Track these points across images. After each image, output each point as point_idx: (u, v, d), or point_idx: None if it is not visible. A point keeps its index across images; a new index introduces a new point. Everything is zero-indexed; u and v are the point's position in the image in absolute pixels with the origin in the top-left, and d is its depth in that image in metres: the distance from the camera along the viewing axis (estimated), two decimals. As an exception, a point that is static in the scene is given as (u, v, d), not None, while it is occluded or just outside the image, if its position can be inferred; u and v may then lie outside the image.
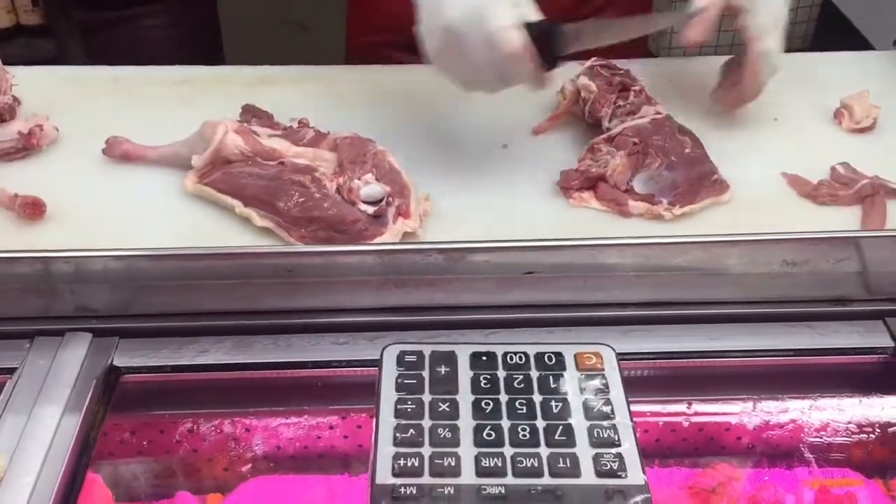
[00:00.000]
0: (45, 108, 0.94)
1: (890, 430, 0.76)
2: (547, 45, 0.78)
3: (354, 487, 0.73)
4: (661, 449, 0.77)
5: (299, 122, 0.92)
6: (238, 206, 0.82)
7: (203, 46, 1.57)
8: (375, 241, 0.78)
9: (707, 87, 1.00)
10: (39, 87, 0.99)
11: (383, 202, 0.80)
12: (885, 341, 0.75)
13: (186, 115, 0.95)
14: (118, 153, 0.89)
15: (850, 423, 0.76)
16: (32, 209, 0.80)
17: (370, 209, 0.79)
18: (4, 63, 0.92)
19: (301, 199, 0.80)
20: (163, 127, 0.93)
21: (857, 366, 0.77)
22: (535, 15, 0.78)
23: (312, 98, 1.01)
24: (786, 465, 0.75)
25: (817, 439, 0.75)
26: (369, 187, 0.80)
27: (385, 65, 1.10)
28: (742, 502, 0.73)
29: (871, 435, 0.76)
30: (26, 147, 0.89)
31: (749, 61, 0.88)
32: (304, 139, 0.87)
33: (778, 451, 0.75)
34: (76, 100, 0.99)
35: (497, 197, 0.87)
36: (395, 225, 0.80)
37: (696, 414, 0.78)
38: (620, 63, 0.98)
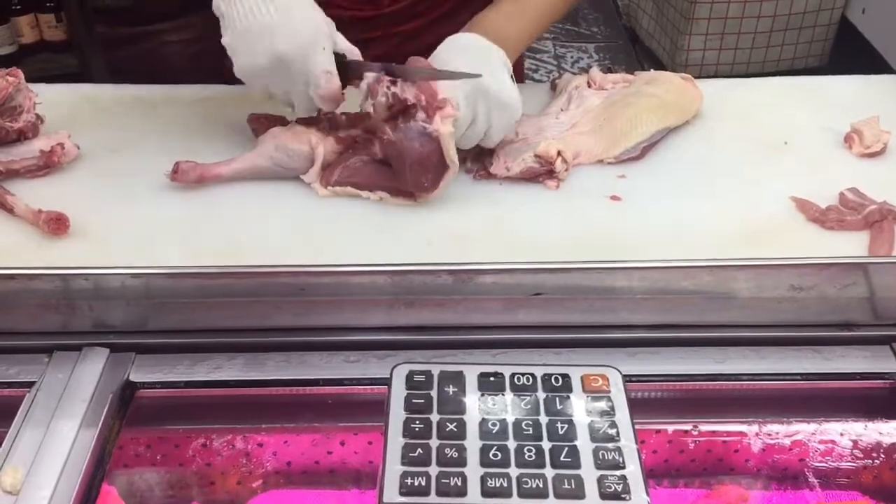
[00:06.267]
0: (67, 125, 0.95)
1: (896, 454, 0.76)
2: (345, 73, 0.88)
3: (364, 502, 0.74)
4: (668, 470, 0.77)
5: None
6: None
7: (222, 62, 1.59)
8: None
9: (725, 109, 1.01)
10: (61, 104, 1.01)
11: None
12: (891, 366, 0.75)
13: (204, 131, 0.97)
14: (193, 178, 0.88)
15: (857, 446, 0.76)
16: (56, 224, 0.81)
17: None
18: (28, 78, 0.94)
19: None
20: (180, 144, 0.95)
21: (863, 390, 0.77)
22: (342, 43, 0.90)
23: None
24: (793, 487, 0.75)
25: (824, 463, 0.75)
26: None
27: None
28: (750, 524, 0.73)
29: (878, 459, 0.76)
30: (47, 165, 0.90)
31: None
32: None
33: (785, 474, 0.76)
34: (97, 117, 1.01)
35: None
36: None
37: (704, 435, 0.78)
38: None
